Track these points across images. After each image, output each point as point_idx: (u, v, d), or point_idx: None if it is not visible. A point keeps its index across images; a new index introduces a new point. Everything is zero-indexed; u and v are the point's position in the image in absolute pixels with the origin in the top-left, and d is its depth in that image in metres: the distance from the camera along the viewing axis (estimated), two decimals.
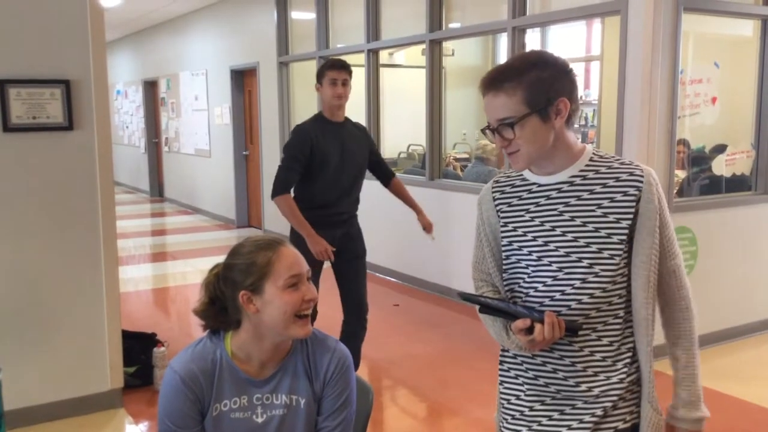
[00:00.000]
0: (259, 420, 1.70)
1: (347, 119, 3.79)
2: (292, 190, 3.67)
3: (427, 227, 3.94)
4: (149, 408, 3.87)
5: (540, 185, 1.67)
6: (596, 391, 1.63)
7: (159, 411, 1.69)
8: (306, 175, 3.35)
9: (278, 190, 3.57)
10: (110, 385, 3.80)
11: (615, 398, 1.63)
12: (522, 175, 1.72)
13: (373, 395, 1.96)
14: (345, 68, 3.66)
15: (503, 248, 1.73)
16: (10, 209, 3.48)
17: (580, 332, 1.59)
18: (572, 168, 1.64)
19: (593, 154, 1.66)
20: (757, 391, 4.00)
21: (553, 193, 1.65)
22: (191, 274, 7.18)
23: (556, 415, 1.66)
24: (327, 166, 3.59)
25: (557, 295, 1.63)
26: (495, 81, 1.59)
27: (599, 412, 1.63)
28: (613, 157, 1.67)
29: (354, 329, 3.79)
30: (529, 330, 1.56)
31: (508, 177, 1.75)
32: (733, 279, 4.75)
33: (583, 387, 1.63)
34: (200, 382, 1.67)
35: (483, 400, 3.91)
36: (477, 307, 1.65)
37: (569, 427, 1.64)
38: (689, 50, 4.49)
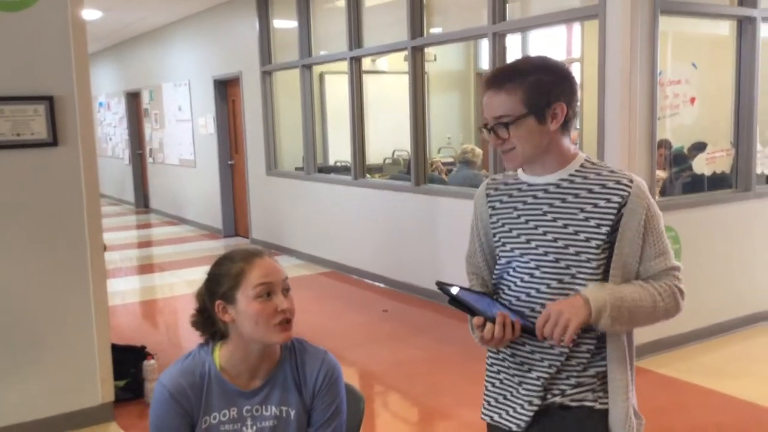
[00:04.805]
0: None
1: None
2: None
3: None
4: (141, 421, 3.86)
5: (529, 185, 1.71)
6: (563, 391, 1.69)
7: (150, 425, 1.71)
8: None
9: None
10: (101, 400, 3.79)
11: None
12: (516, 173, 1.76)
13: (364, 403, 1.97)
14: None
15: (494, 244, 1.77)
16: None
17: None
18: (562, 171, 1.67)
19: (585, 160, 1.69)
20: (744, 387, 4.04)
21: (540, 193, 1.68)
22: (178, 285, 7.16)
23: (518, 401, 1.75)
24: None
25: (533, 292, 1.67)
26: (497, 79, 1.63)
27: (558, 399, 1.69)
28: (606, 165, 1.70)
29: None
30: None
31: (504, 175, 1.80)
32: (716, 276, 4.81)
33: (548, 386, 1.69)
34: (189, 395, 1.68)
35: (475, 403, 3.89)
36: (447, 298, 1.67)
37: (522, 406, 1.73)
38: (667, 51, 4.55)
